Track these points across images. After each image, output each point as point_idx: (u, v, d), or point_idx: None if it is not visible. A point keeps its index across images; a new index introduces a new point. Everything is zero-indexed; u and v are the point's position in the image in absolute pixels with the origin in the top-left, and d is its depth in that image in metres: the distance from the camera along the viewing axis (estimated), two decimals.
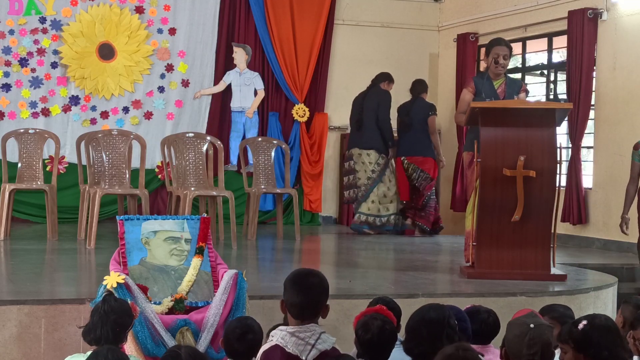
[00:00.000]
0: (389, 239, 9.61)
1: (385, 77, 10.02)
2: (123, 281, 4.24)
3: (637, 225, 6.94)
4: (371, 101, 9.81)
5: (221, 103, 10.62)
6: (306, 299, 3.37)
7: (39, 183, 8.20)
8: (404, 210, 9.93)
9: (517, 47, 10.28)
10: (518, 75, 10.04)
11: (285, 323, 3.61)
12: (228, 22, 10.62)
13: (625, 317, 4.33)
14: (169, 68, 10.37)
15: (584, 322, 3.12)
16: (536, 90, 10.34)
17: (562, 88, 9.81)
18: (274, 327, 3.61)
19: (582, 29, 9.15)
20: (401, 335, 3.65)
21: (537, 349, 3.11)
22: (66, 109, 10.03)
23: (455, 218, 11.05)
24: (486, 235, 6.17)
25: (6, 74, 9.85)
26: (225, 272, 4.60)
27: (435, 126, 10.04)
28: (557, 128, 6.39)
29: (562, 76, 9.92)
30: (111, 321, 3.55)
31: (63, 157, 9.78)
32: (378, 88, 9.94)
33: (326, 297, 3.45)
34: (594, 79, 9.21)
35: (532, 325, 3.14)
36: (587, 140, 9.35)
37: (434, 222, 9.92)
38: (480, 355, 3.01)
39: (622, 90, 8.92)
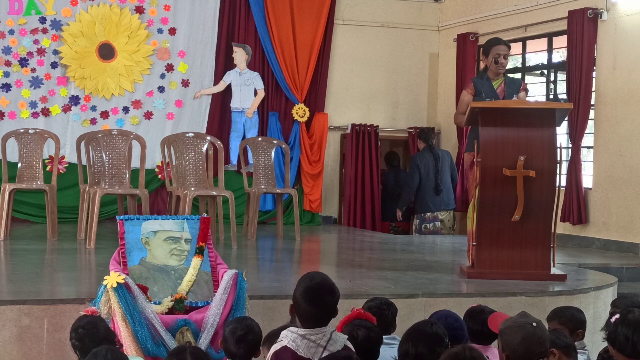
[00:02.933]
0: (389, 238, 9.61)
1: (433, 134, 10.76)
2: (123, 281, 4.24)
3: None
4: (445, 163, 10.39)
5: (221, 103, 10.62)
6: (318, 313, 3.32)
7: (39, 183, 8.20)
8: None
9: (517, 47, 10.27)
10: (518, 75, 10.03)
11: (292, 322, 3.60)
12: (228, 22, 10.62)
13: None
14: (169, 68, 10.37)
15: (617, 315, 3.13)
16: (536, 90, 10.34)
17: (562, 88, 9.81)
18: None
19: (582, 29, 9.14)
20: (397, 333, 3.65)
21: (546, 346, 3.12)
22: (66, 109, 10.03)
23: (456, 218, 11.05)
24: (486, 235, 6.17)
25: (6, 74, 9.84)
26: (225, 272, 4.60)
27: None
28: (557, 128, 6.39)
29: (562, 76, 9.91)
30: (97, 341, 3.56)
31: (63, 157, 9.78)
32: (437, 148, 10.64)
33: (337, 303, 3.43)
34: (594, 78, 9.20)
35: (534, 324, 3.15)
36: (587, 140, 9.35)
37: None
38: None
39: (622, 90, 8.92)
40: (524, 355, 3.08)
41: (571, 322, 4.22)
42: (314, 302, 3.32)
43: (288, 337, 3.30)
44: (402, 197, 10.49)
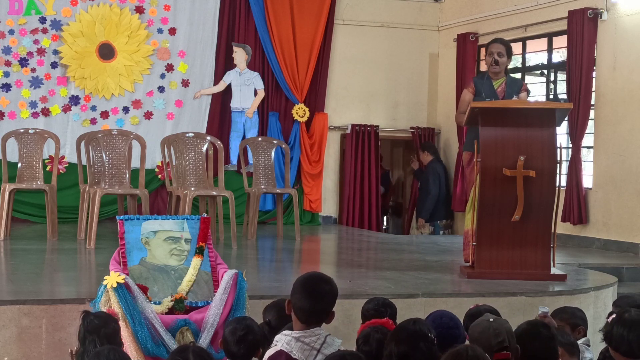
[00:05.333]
0: (389, 238, 9.61)
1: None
2: (123, 281, 4.24)
3: None
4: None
5: (221, 103, 10.62)
6: (315, 305, 3.33)
7: (39, 183, 8.20)
8: None
9: (517, 47, 10.26)
10: (518, 75, 10.03)
11: (280, 317, 3.60)
12: (228, 22, 10.62)
13: None
14: (169, 68, 10.37)
15: (614, 315, 3.15)
16: (536, 90, 10.34)
17: (562, 88, 9.81)
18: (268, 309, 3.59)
19: (582, 29, 9.14)
20: None
21: (503, 337, 3.20)
22: (66, 109, 10.02)
23: (456, 217, 11.06)
24: (486, 235, 6.17)
25: (6, 74, 9.84)
26: (225, 272, 4.60)
27: None
28: (557, 128, 6.39)
29: (562, 76, 9.91)
30: (102, 335, 3.56)
31: (63, 157, 9.78)
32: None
33: (334, 304, 3.43)
34: (594, 78, 9.20)
35: (491, 320, 3.26)
36: (587, 140, 9.35)
37: None
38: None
39: (622, 90, 8.91)
40: (484, 349, 3.10)
41: (572, 319, 4.24)
42: (310, 292, 3.34)
43: (282, 341, 3.29)
44: (427, 206, 10.93)
